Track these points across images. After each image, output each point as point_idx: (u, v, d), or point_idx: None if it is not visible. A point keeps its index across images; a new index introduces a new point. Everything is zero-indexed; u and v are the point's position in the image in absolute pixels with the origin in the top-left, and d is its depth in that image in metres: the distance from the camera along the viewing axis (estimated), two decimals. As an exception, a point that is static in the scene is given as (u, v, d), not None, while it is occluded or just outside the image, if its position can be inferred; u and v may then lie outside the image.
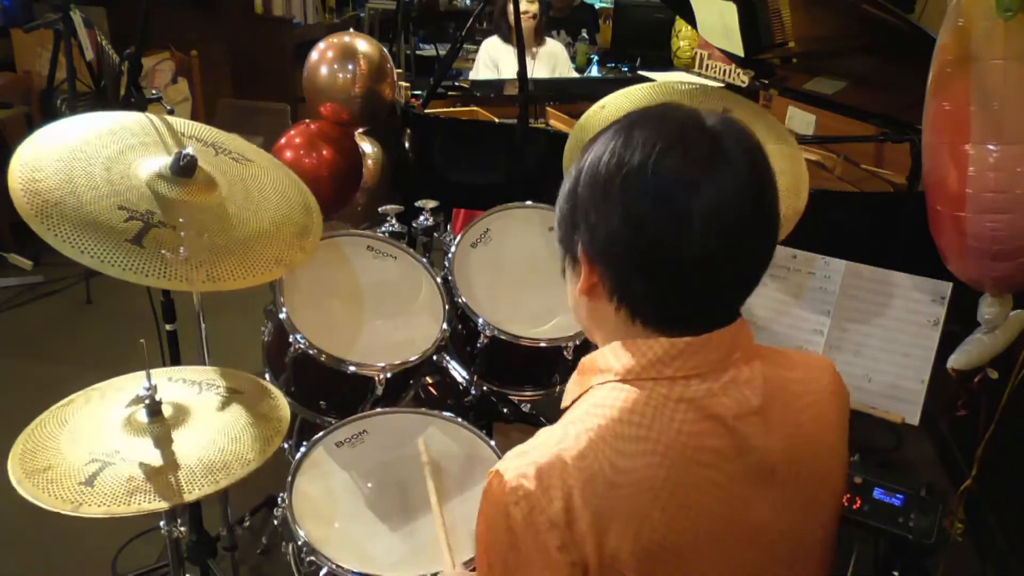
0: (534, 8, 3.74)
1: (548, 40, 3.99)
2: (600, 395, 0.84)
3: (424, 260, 2.03)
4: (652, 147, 0.78)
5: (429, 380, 2.15)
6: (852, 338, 1.78)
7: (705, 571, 0.83)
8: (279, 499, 1.54)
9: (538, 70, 3.84)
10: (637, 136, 0.80)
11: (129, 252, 1.39)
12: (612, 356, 0.86)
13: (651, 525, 0.79)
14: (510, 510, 0.79)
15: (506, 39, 3.85)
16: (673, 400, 0.82)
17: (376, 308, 1.94)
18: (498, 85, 3.41)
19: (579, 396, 0.88)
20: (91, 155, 1.50)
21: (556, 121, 3.05)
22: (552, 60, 3.95)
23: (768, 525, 0.86)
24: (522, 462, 0.80)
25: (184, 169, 1.53)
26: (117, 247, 1.38)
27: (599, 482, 0.78)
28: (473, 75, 4.00)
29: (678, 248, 0.78)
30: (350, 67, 2.47)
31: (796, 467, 0.87)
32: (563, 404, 0.91)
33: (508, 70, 3.74)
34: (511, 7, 3.61)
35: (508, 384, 2.03)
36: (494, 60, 3.88)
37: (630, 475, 0.79)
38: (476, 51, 4.16)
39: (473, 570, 1.40)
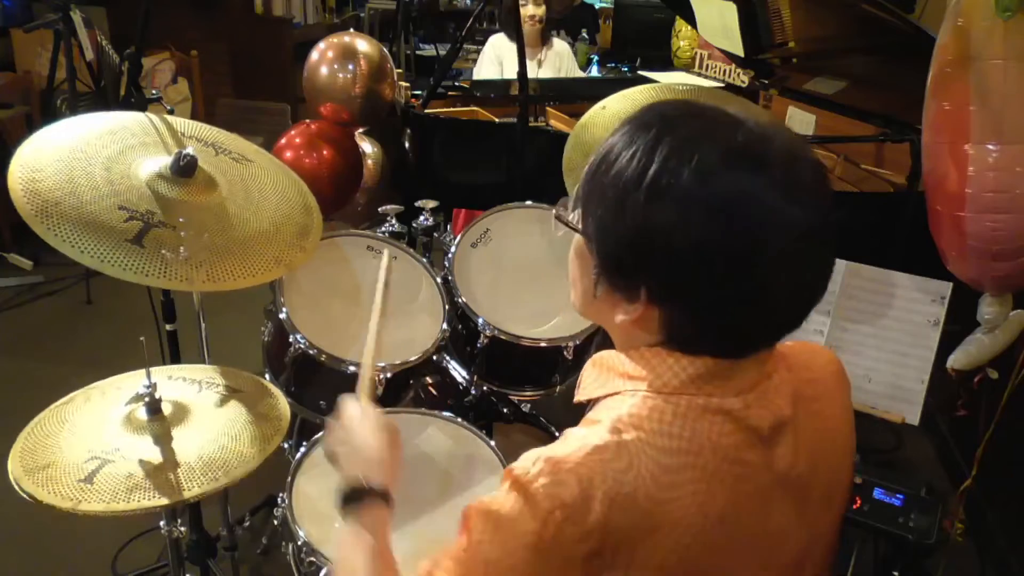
0: (540, 12, 3.73)
1: (555, 41, 3.99)
2: (634, 403, 0.80)
3: (424, 260, 2.03)
4: (689, 160, 0.73)
5: (429, 380, 2.15)
6: (852, 338, 1.78)
7: None
8: (279, 499, 1.54)
9: (545, 72, 3.84)
10: (672, 146, 0.75)
11: (129, 252, 1.39)
12: (645, 365, 0.82)
13: (687, 541, 0.77)
14: (542, 519, 0.74)
15: (512, 37, 3.84)
16: (711, 412, 0.79)
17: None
18: (498, 85, 3.41)
19: (602, 397, 0.84)
20: (91, 155, 1.50)
21: (556, 121, 3.05)
22: (558, 61, 3.95)
23: (790, 532, 0.86)
24: (560, 468, 0.75)
25: (184, 169, 1.53)
26: (117, 247, 1.38)
27: (641, 497, 0.75)
28: (477, 71, 3.99)
29: (741, 279, 0.75)
30: (350, 67, 2.47)
31: (818, 473, 0.86)
32: (578, 398, 0.88)
33: (513, 68, 3.73)
34: (514, 6, 3.61)
35: (508, 384, 2.03)
36: (499, 57, 3.87)
37: (671, 490, 0.76)
38: (476, 51, 4.15)
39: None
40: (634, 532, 0.76)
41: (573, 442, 0.78)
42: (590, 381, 0.87)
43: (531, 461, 0.77)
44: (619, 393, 0.82)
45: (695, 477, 0.77)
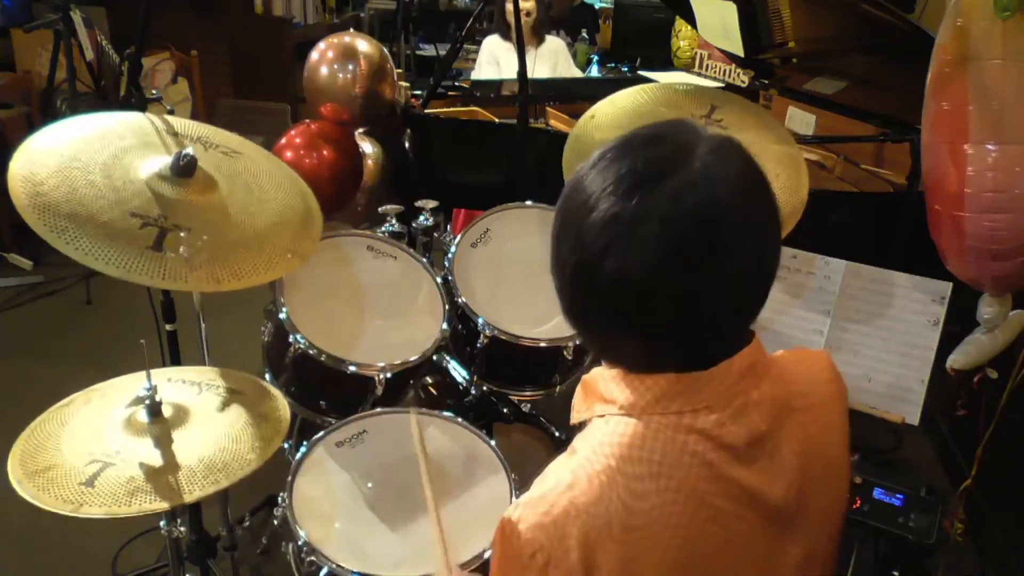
0: (530, 6, 3.75)
1: (548, 38, 3.99)
2: (606, 431, 0.81)
3: (424, 260, 2.03)
4: (633, 199, 0.74)
5: (429, 380, 2.15)
6: (852, 338, 1.78)
7: None
8: (279, 499, 1.55)
9: (539, 69, 3.84)
10: (617, 182, 0.76)
11: (137, 253, 1.40)
12: (615, 387, 0.83)
13: (668, 563, 0.78)
14: (527, 563, 0.78)
15: (507, 37, 3.85)
16: (683, 432, 0.79)
17: (376, 308, 1.94)
18: (498, 85, 3.41)
19: (586, 419, 0.86)
20: (91, 156, 1.50)
21: (556, 121, 3.04)
22: (553, 58, 3.95)
23: (783, 549, 0.85)
24: (535, 513, 0.78)
25: (184, 169, 1.53)
26: (115, 246, 1.38)
27: (615, 526, 0.77)
28: (475, 73, 4.00)
29: (664, 315, 0.76)
30: (350, 67, 2.47)
31: (806, 485, 0.86)
32: (572, 420, 0.89)
33: (510, 67, 3.74)
34: (510, 6, 3.61)
35: (508, 384, 2.03)
36: (495, 57, 3.88)
37: (645, 515, 0.77)
38: (476, 51, 4.16)
39: (473, 570, 1.40)
40: (616, 565, 0.77)
41: (549, 480, 0.81)
42: (578, 403, 0.89)
43: (514, 507, 0.80)
44: (600, 416, 0.84)
45: (668, 500, 0.78)
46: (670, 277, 0.74)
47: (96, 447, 1.32)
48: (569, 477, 0.79)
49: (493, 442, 1.69)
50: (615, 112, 1.90)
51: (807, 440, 0.86)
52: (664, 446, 0.79)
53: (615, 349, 0.83)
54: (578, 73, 4.26)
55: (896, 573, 1.55)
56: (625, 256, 0.73)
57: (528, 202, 2.13)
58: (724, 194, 0.74)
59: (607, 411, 0.83)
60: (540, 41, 3.91)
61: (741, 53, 2.51)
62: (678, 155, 0.75)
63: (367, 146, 2.69)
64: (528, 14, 3.74)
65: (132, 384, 1.46)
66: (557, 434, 2.18)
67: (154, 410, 1.38)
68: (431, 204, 2.25)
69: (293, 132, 2.49)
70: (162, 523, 1.49)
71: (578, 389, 0.90)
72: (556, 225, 0.81)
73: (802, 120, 2.73)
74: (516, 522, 0.79)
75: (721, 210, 0.74)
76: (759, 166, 0.79)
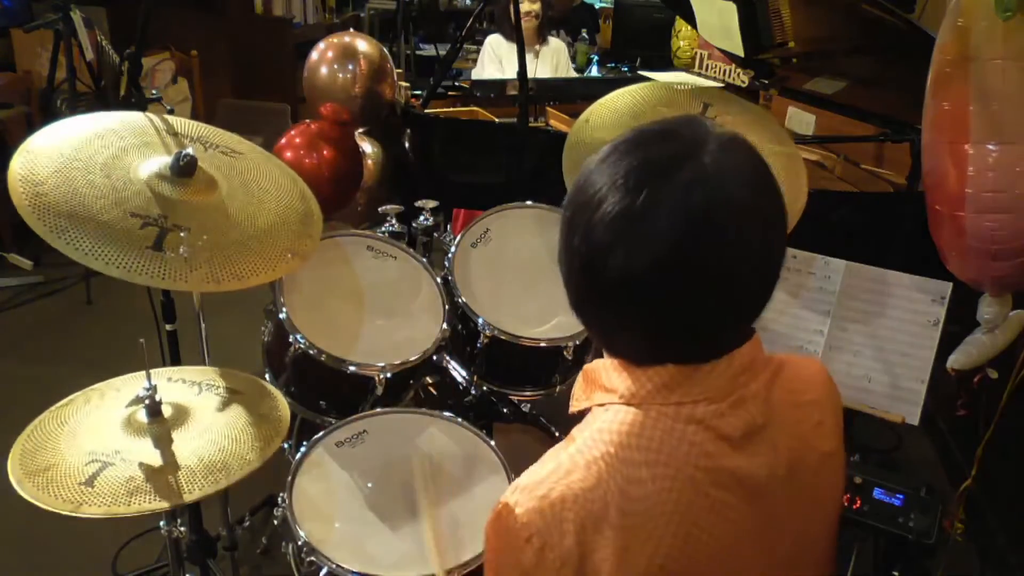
0: (536, 8, 3.74)
1: (551, 39, 3.99)
2: (606, 419, 0.82)
3: (424, 260, 2.03)
4: (637, 199, 0.74)
5: (429, 380, 2.15)
6: (852, 338, 1.78)
7: None
8: (279, 499, 1.55)
9: (541, 69, 3.84)
10: (622, 184, 0.76)
11: (137, 253, 1.40)
12: (616, 376, 0.84)
13: (664, 550, 0.78)
14: (522, 548, 0.78)
15: (509, 37, 3.85)
16: (682, 422, 0.80)
17: (376, 308, 1.94)
18: (498, 85, 3.41)
19: (584, 409, 0.87)
20: (91, 156, 1.51)
21: (556, 121, 3.05)
22: (555, 58, 3.95)
23: (774, 542, 0.86)
24: (532, 496, 0.79)
25: (184, 169, 1.53)
26: (115, 246, 1.39)
27: (612, 512, 0.77)
28: (477, 72, 3.99)
29: (665, 314, 0.77)
30: (350, 67, 2.47)
31: (800, 481, 0.86)
32: (571, 410, 0.90)
33: (513, 66, 3.73)
34: (513, 6, 3.61)
35: (508, 384, 2.03)
36: (498, 56, 3.87)
37: (642, 502, 0.78)
38: (476, 51, 4.15)
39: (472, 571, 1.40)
40: (610, 552, 0.77)
41: (547, 466, 0.81)
42: (579, 392, 0.89)
43: (511, 491, 0.81)
44: (600, 405, 0.84)
45: (665, 487, 0.78)
46: (678, 271, 0.74)
47: (96, 447, 1.32)
48: (567, 463, 0.80)
49: (493, 442, 1.69)
50: (609, 114, 1.90)
51: (801, 436, 0.87)
52: (663, 434, 0.79)
53: (619, 340, 0.84)
54: (574, 75, 4.26)
55: (896, 573, 1.55)
56: (633, 250, 0.74)
57: (528, 202, 2.13)
58: (733, 189, 0.74)
59: (608, 400, 0.84)
60: (543, 42, 3.91)
61: (741, 53, 2.51)
62: (688, 150, 0.75)
63: (367, 146, 2.69)
64: (535, 16, 3.74)
65: (132, 384, 1.46)
66: (557, 434, 2.17)
67: (154, 410, 1.38)
68: (431, 204, 2.25)
69: (293, 132, 2.49)
70: (162, 523, 1.49)
71: (578, 378, 0.90)
72: (566, 217, 0.81)
73: (802, 120, 2.73)
74: (513, 506, 0.79)
75: (730, 206, 0.74)
76: (766, 163, 0.79)
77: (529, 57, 3.77)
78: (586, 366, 0.90)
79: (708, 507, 0.80)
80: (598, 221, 0.75)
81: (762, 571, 0.86)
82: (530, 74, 3.66)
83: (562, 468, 0.80)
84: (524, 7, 3.65)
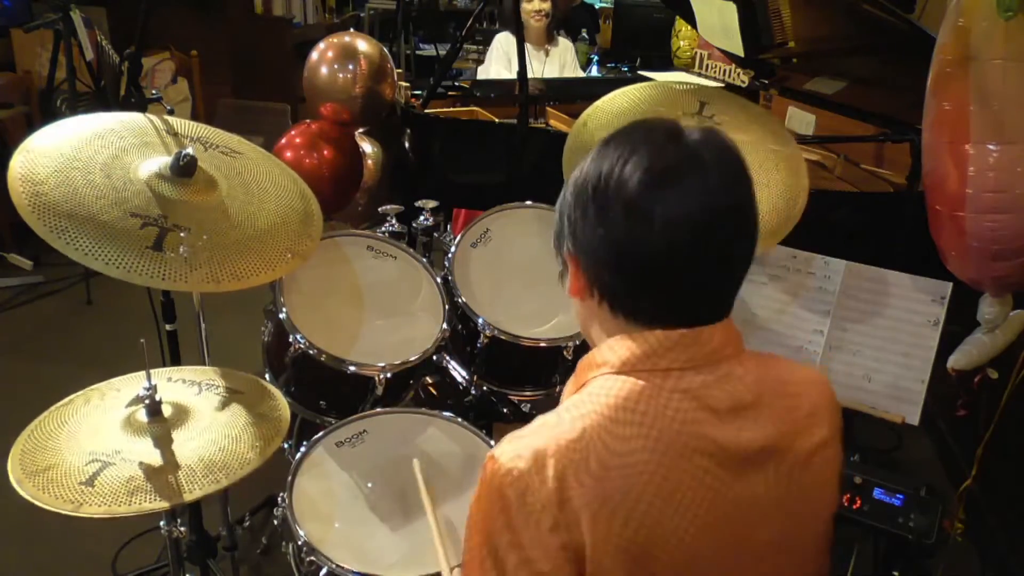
0: (546, 6, 3.72)
1: (559, 39, 3.99)
2: (596, 384, 0.87)
3: (424, 260, 2.03)
4: (617, 157, 0.85)
5: (429, 380, 2.15)
6: (852, 338, 1.78)
7: (692, 565, 0.83)
8: (279, 499, 1.55)
9: (549, 69, 3.83)
10: (611, 149, 0.87)
11: (137, 253, 1.40)
12: (608, 350, 0.88)
13: (641, 510, 0.80)
14: (505, 491, 0.81)
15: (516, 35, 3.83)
16: (668, 390, 0.84)
17: (376, 308, 1.94)
18: (500, 84, 3.41)
19: (575, 392, 0.90)
20: (91, 156, 1.51)
21: (556, 121, 3.05)
22: (562, 58, 3.95)
23: (756, 525, 0.86)
24: (517, 445, 0.83)
25: (184, 169, 1.53)
26: (115, 246, 1.38)
27: (592, 463, 0.80)
28: (484, 70, 3.97)
29: (639, 245, 0.83)
30: (350, 67, 2.47)
31: (788, 467, 0.88)
32: (564, 397, 0.93)
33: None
34: (526, 5, 3.60)
35: (508, 384, 2.03)
36: (508, 54, 3.85)
37: (624, 458, 0.81)
38: (476, 51, 4.14)
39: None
40: (589, 502, 0.79)
41: (537, 421, 0.86)
42: (569, 385, 0.94)
43: (499, 443, 0.86)
44: (587, 381, 0.89)
45: (648, 447, 0.82)
46: (698, 240, 0.83)
47: (96, 447, 1.32)
48: (553, 419, 0.85)
49: (493, 442, 1.69)
50: (608, 116, 1.90)
51: (792, 423, 0.89)
52: (649, 399, 0.84)
53: (600, 285, 0.89)
54: (580, 75, 4.26)
55: (896, 573, 1.55)
56: (674, 201, 0.82)
57: (528, 202, 2.13)
58: (722, 175, 0.84)
59: (598, 373, 0.88)
60: (553, 43, 3.90)
61: (741, 53, 2.51)
62: (672, 134, 0.85)
63: (367, 146, 2.69)
64: (545, 15, 3.72)
65: (132, 384, 1.46)
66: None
67: (154, 410, 1.38)
68: (431, 204, 2.25)
69: (293, 132, 2.49)
70: (162, 523, 1.48)
71: (571, 378, 0.94)
72: (568, 202, 0.90)
73: (802, 120, 2.73)
74: (498, 456, 0.84)
75: (720, 187, 0.83)
76: (738, 149, 0.88)
77: (540, 57, 3.77)
78: (579, 363, 0.93)
79: (690, 472, 0.82)
80: (629, 176, 0.83)
81: (737, 555, 0.86)
82: (540, 74, 3.68)
83: (548, 423, 0.85)
84: (535, 6, 3.64)
